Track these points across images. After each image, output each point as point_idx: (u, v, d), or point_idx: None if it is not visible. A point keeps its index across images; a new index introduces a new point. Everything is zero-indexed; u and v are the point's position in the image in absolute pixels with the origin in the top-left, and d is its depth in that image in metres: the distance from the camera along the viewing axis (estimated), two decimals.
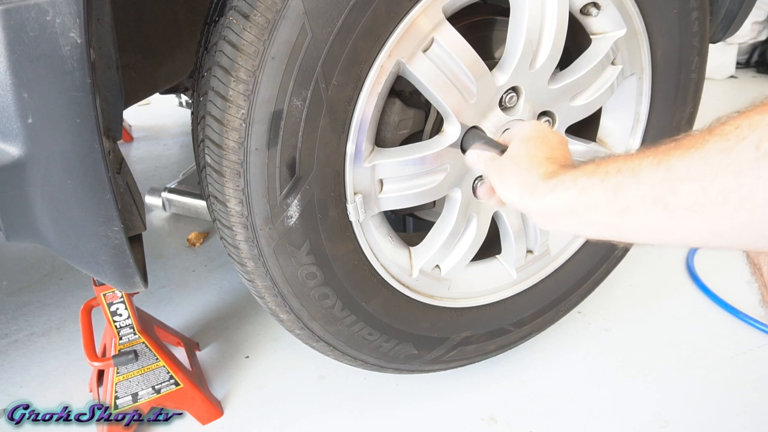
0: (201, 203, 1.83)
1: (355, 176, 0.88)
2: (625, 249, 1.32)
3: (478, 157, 0.79)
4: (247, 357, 1.36)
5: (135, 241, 0.86)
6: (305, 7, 0.74)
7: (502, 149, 0.76)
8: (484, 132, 0.94)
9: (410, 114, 0.96)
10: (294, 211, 0.86)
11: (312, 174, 0.84)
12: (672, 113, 1.17)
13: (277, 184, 0.83)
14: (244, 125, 0.78)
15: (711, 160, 0.42)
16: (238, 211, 0.85)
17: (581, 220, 0.55)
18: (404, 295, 1.04)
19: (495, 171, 0.71)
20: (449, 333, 1.14)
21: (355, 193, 0.89)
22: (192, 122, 0.91)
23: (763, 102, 0.41)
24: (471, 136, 0.92)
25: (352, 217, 0.91)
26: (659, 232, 0.48)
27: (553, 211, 0.59)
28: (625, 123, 1.15)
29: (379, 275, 1.00)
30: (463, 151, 0.93)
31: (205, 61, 0.82)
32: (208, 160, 0.84)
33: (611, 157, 0.53)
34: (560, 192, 0.58)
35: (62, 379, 1.31)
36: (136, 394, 1.11)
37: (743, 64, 3.84)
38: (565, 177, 0.58)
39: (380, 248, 0.98)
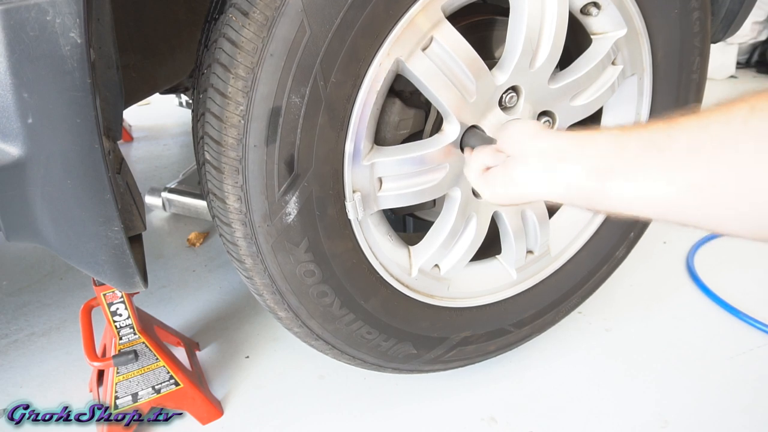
0: (201, 203, 1.83)
1: (353, 174, 0.88)
2: (626, 250, 1.32)
3: (471, 171, 0.79)
4: (247, 357, 1.36)
5: (135, 241, 0.86)
6: (304, 5, 0.74)
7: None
8: (483, 131, 0.94)
9: (410, 114, 0.96)
10: (292, 208, 0.86)
11: (310, 171, 0.84)
12: (673, 113, 1.17)
13: (276, 181, 0.83)
14: (242, 122, 0.78)
15: (710, 127, 0.45)
16: (236, 207, 0.85)
17: (580, 193, 0.58)
18: (403, 294, 1.04)
19: (486, 186, 0.74)
20: (448, 333, 1.14)
21: (353, 191, 0.89)
22: (192, 119, 0.91)
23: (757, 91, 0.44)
24: (470, 135, 0.93)
25: (351, 215, 0.91)
26: (655, 197, 0.49)
27: (551, 188, 0.61)
28: (626, 123, 1.15)
29: (378, 274, 1.00)
30: (462, 149, 0.94)
31: (205, 58, 0.82)
32: (208, 156, 0.85)
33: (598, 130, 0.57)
34: (560, 137, 0.61)
35: (62, 379, 1.31)
36: (136, 394, 1.11)
37: (743, 64, 3.84)
38: (570, 141, 0.60)
39: (379, 247, 0.98)
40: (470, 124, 0.94)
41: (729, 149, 0.43)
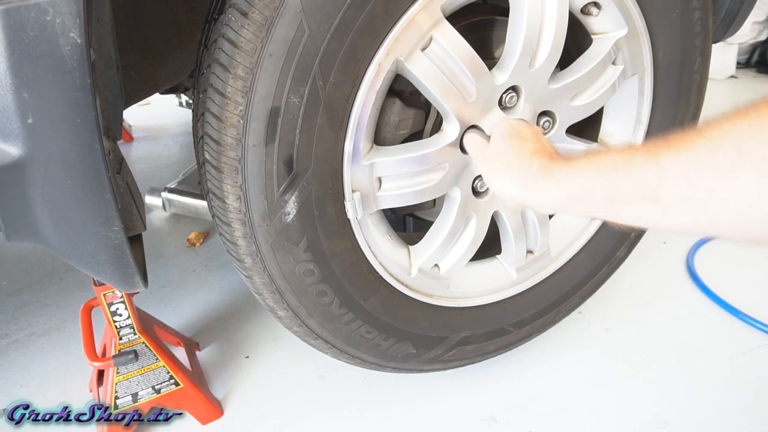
0: (201, 203, 1.83)
1: (353, 174, 0.88)
2: (627, 251, 1.32)
3: (474, 146, 0.84)
4: (247, 357, 1.36)
5: (135, 241, 0.86)
6: (303, 5, 0.74)
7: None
8: (483, 131, 0.94)
9: (410, 114, 0.96)
10: (291, 207, 0.86)
11: (309, 171, 0.84)
12: (675, 114, 1.17)
13: (275, 181, 0.83)
14: (242, 122, 0.78)
15: (697, 160, 0.45)
16: (236, 207, 0.85)
17: (581, 209, 0.61)
18: (403, 293, 1.04)
19: (488, 168, 0.77)
20: (448, 332, 1.14)
21: (353, 191, 0.89)
22: (192, 119, 0.91)
23: (749, 106, 0.43)
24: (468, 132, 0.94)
25: (350, 215, 0.91)
26: (652, 222, 0.52)
27: (554, 204, 0.64)
28: (626, 123, 1.15)
29: (378, 273, 1.00)
30: (463, 151, 0.95)
31: (204, 58, 0.82)
32: (207, 156, 0.85)
33: (602, 152, 0.58)
34: (559, 187, 0.62)
35: (62, 379, 1.31)
36: (136, 394, 1.11)
37: (743, 64, 3.84)
38: (561, 173, 0.63)
39: (379, 246, 0.98)
40: (470, 124, 0.94)
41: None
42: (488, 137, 0.82)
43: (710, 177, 0.44)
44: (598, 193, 0.56)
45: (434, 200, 1.07)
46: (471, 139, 0.87)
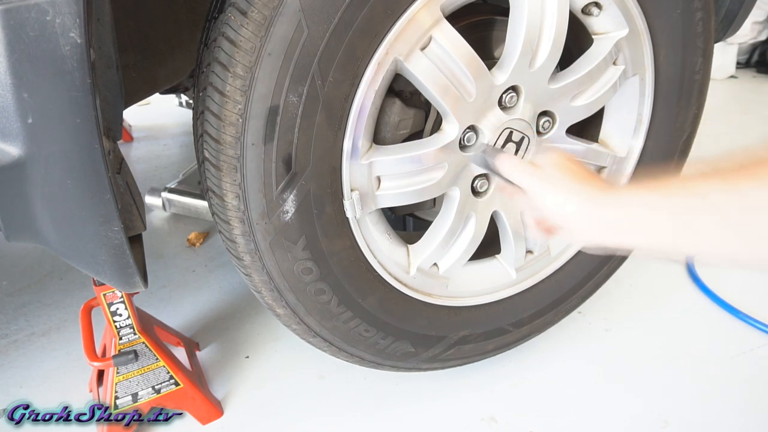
0: (201, 203, 1.83)
1: (351, 173, 0.88)
2: (627, 251, 1.32)
3: (520, 167, 0.74)
4: (247, 357, 1.36)
5: (135, 241, 0.86)
6: (302, 4, 0.74)
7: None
8: (500, 149, 0.95)
9: (410, 114, 0.96)
10: (290, 206, 0.86)
11: (308, 170, 0.84)
12: (676, 115, 1.17)
13: (274, 179, 0.83)
14: (240, 120, 0.78)
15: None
16: (234, 205, 0.85)
17: (645, 236, 0.56)
18: (401, 292, 1.04)
19: (546, 183, 0.68)
20: (447, 331, 1.14)
21: (351, 190, 0.90)
22: (192, 117, 0.92)
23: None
24: (486, 149, 0.92)
25: (349, 214, 0.91)
26: (731, 254, 0.50)
27: (615, 225, 0.59)
28: (627, 124, 1.15)
29: (376, 272, 1.00)
30: (486, 167, 0.94)
31: (204, 56, 0.82)
32: (207, 154, 0.85)
33: (669, 179, 0.54)
34: (624, 206, 0.58)
35: (62, 379, 1.31)
36: (136, 394, 1.11)
37: (743, 64, 3.84)
38: (628, 192, 0.59)
39: (377, 245, 0.98)
40: (469, 124, 0.94)
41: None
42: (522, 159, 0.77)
43: None
44: (664, 216, 0.53)
45: (434, 200, 1.07)
46: (509, 160, 0.77)
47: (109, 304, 1.05)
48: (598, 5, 0.99)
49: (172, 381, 1.13)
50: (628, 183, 0.62)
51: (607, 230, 0.60)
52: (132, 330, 1.09)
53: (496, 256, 1.17)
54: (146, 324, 1.15)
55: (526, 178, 0.71)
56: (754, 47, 3.81)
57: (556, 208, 0.66)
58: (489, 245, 1.15)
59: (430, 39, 0.85)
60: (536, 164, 0.72)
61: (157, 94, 2.05)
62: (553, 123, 1.04)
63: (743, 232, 0.47)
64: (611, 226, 0.59)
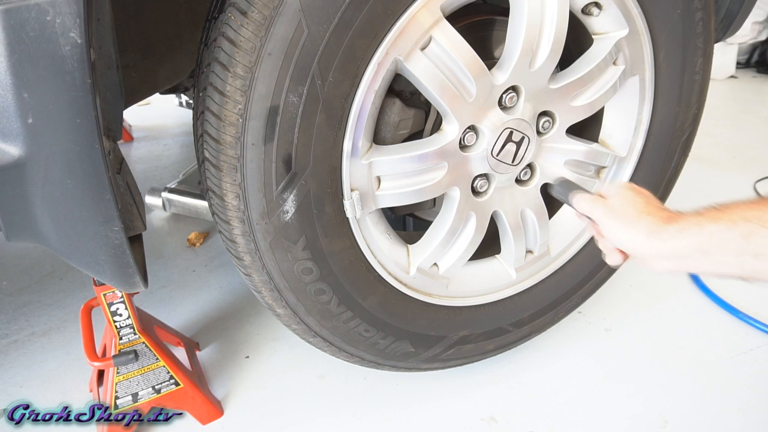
0: (201, 203, 1.82)
1: (351, 173, 0.88)
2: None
3: (590, 201, 0.78)
4: (248, 357, 1.36)
5: (135, 241, 0.86)
6: (302, 4, 0.74)
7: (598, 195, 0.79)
8: (570, 180, 0.97)
9: (410, 114, 0.96)
10: (290, 206, 0.86)
11: (308, 170, 0.84)
12: (676, 115, 1.17)
13: (274, 179, 0.83)
14: (241, 120, 0.79)
15: None
16: (234, 205, 0.85)
17: (710, 262, 0.60)
18: (401, 292, 1.04)
19: (614, 217, 0.73)
20: (447, 331, 1.14)
21: (351, 190, 0.90)
22: (192, 117, 0.92)
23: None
24: (562, 183, 0.94)
25: (349, 214, 0.91)
26: None
27: (680, 254, 0.63)
28: (627, 124, 1.15)
29: (376, 272, 1.00)
30: (549, 193, 0.97)
31: (204, 56, 0.82)
32: (207, 154, 0.85)
33: (730, 205, 0.59)
34: (688, 236, 0.62)
35: (62, 379, 1.31)
36: (136, 394, 1.11)
37: (743, 64, 3.84)
38: (689, 222, 0.62)
39: (377, 245, 0.98)
40: (469, 124, 0.94)
41: None
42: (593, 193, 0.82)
43: None
44: (731, 245, 0.56)
45: (434, 200, 1.07)
46: (583, 196, 0.82)
47: (109, 304, 1.05)
48: (598, 5, 0.99)
49: (172, 381, 1.13)
50: (689, 214, 0.65)
51: (674, 259, 0.64)
52: (132, 330, 1.09)
53: (496, 256, 1.17)
54: (146, 324, 1.15)
55: (596, 213, 0.76)
56: (754, 47, 3.81)
57: (626, 242, 0.70)
58: (489, 245, 1.15)
59: (430, 39, 0.85)
60: (604, 196, 0.77)
61: (157, 94, 2.05)
62: (553, 123, 1.04)
63: None
64: (677, 255, 0.63)
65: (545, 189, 1.07)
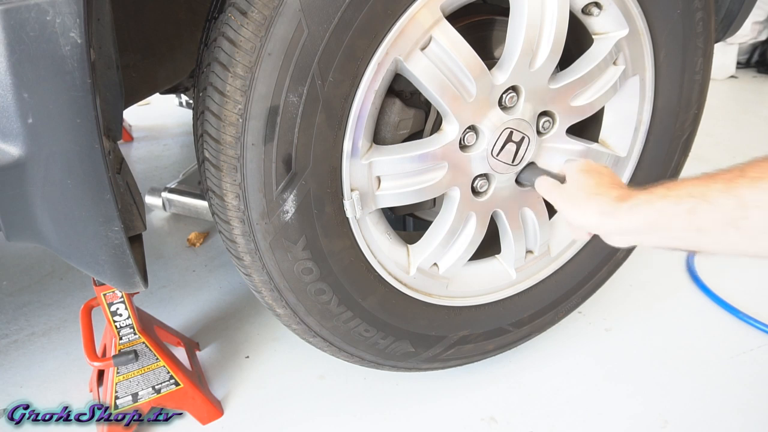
0: (201, 203, 1.82)
1: (351, 173, 0.88)
2: (627, 252, 1.32)
3: (548, 187, 0.83)
4: (248, 357, 1.36)
5: (135, 241, 0.86)
6: (302, 4, 0.74)
7: (561, 178, 0.82)
8: (538, 166, 1.01)
9: (410, 114, 0.96)
10: (290, 206, 0.86)
11: (308, 170, 0.84)
12: (676, 114, 1.17)
13: (274, 179, 0.83)
14: (241, 120, 0.79)
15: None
16: (234, 205, 0.85)
17: (659, 237, 0.63)
18: (401, 292, 1.04)
19: (567, 200, 0.78)
20: (447, 331, 1.14)
21: (351, 190, 0.90)
22: (192, 117, 0.92)
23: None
24: (529, 169, 0.99)
25: (349, 214, 0.91)
26: (733, 248, 0.56)
27: (634, 230, 0.66)
28: (627, 124, 1.15)
29: (376, 272, 1.00)
30: (519, 183, 1.02)
31: (204, 56, 0.82)
32: (207, 154, 0.85)
33: (679, 182, 0.61)
34: (639, 213, 0.64)
35: (62, 379, 1.31)
36: (136, 394, 1.11)
37: (743, 64, 3.84)
38: (640, 200, 0.65)
39: (377, 245, 0.98)
40: (469, 124, 0.94)
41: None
42: (559, 176, 0.85)
43: None
44: (677, 221, 0.59)
45: (434, 200, 1.07)
46: (543, 180, 0.86)
47: (109, 304, 1.05)
48: (598, 5, 0.99)
49: (172, 381, 1.13)
50: (640, 189, 0.67)
51: (627, 235, 0.67)
52: (132, 330, 1.09)
53: (496, 256, 1.17)
54: (146, 324, 1.15)
55: (553, 199, 0.81)
56: (754, 47, 3.81)
57: (582, 223, 0.74)
58: (489, 245, 1.15)
59: (430, 39, 0.85)
60: (561, 178, 0.81)
61: (157, 94, 2.05)
62: (554, 123, 1.04)
63: (744, 230, 0.53)
64: (630, 231, 0.66)
65: None
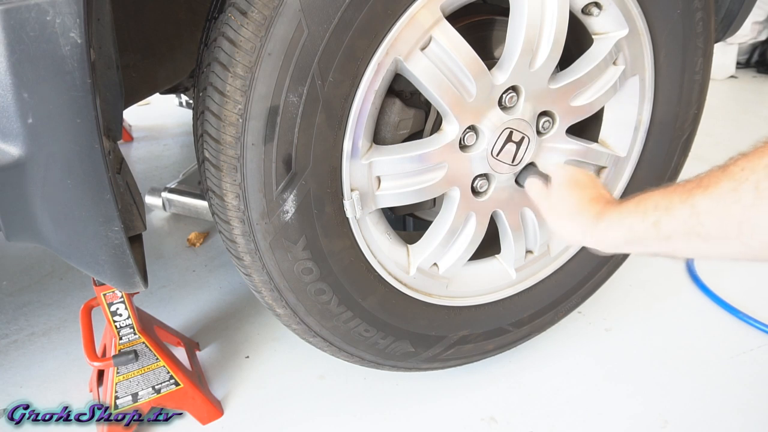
0: (201, 203, 1.82)
1: (351, 173, 0.88)
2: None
3: (536, 193, 0.90)
4: (247, 357, 1.36)
5: (135, 241, 0.86)
6: (302, 4, 0.74)
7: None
8: (537, 167, 1.02)
9: (410, 114, 0.96)
10: (290, 206, 0.86)
11: (308, 170, 0.84)
12: (676, 115, 1.17)
13: (274, 179, 0.83)
14: (241, 120, 0.79)
15: (724, 198, 0.53)
16: (234, 205, 0.85)
17: (638, 248, 0.67)
18: (401, 292, 1.04)
19: (552, 215, 0.84)
20: (446, 331, 1.14)
21: (351, 190, 0.90)
22: (192, 117, 0.92)
23: (764, 143, 0.51)
24: (529, 170, 1.01)
25: (349, 214, 0.91)
26: (700, 253, 0.60)
27: (614, 245, 0.71)
28: (627, 124, 1.14)
29: (376, 272, 1.00)
30: (518, 183, 1.03)
31: (204, 56, 0.82)
32: (207, 154, 0.85)
33: (646, 195, 0.65)
34: (613, 231, 0.70)
35: (62, 379, 1.31)
36: (136, 394, 1.11)
37: (743, 64, 3.84)
38: (613, 217, 0.70)
39: (377, 245, 0.98)
40: (469, 124, 0.94)
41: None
42: (546, 179, 0.89)
43: (737, 211, 0.51)
44: (647, 234, 0.63)
45: (434, 200, 1.07)
46: (533, 184, 0.92)
47: (109, 304, 1.05)
48: (598, 5, 0.99)
49: (172, 381, 1.13)
50: (615, 205, 0.73)
51: (610, 249, 0.73)
52: (132, 330, 1.09)
53: (496, 256, 1.17)
54: (146, 324, 1.15)
55: (541, 209, 0.88)
56: (754, 47, 3.81)
57: (567, 238, 0.81)
58: (489, 245, 1.15)
59: (430, 39, 0.85)
60: (551, 183, 0.86)
61: (157, 94, 2.05)
62: (553, 123, 1.04)
63: (702, 236, 0.56)
64: (611, 246, 0.72)
65: None
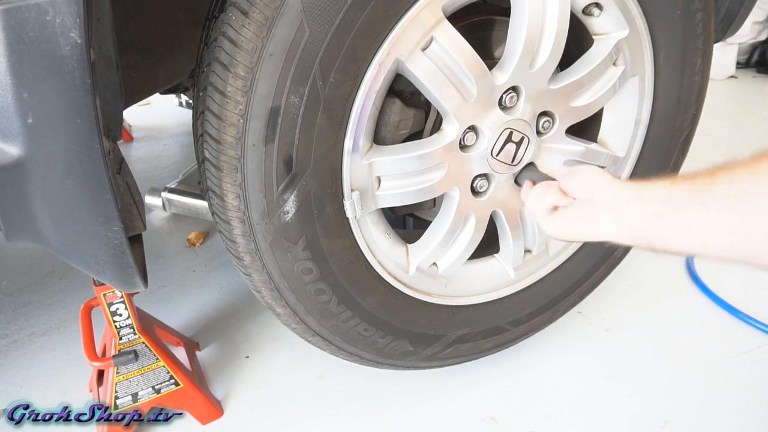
0: (201, 203, 1.82)
1: (352, 173, 0.88)
2: (624, 250, 1.32)
3: (531, 201, 0.86)
4: (247, 357, 1.36)
5: (135, 241, 0.86)
6: (303, 5, 0.74)
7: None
8: (536, 167, 1.02)
9: (410, 114, 0.96)
10: (290, 206, 0.86)
11: (309, 170, 0.84)
12: (675, 115, 1.17)
13: (274, 180, 0.83)
14: (241, 121, 0.78)
15: (740, 183, 0.55)
16: (235, 205, 0.85)
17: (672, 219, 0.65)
18: (401, 292, 1.04)
19: (547, 227, 0.81)
20: (445, 330, 1.14)
21: (352, 190, 0.90)
22: (192, 117, 0.92)
23: (762, 154, 0.53)
24: (528, 170, 1.01)
25: (349, 214, 0.91)
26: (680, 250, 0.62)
27: (617, 237, 0.70)
28: (626, 124, 1.15)
29: (376, 272, 1.00)
30: (518, 183, 1.02)
31: (205, 56, 0.82)
32: (207, 154, 0.85)
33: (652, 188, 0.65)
34: (617, 226, 0.69)
35: (62, 379, 1.31)
36: (136, 394, 1.11)
37: (743, 64, 3.84)
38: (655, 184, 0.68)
39: (377, 245, 0.98)
40: (469, 124, 0.94)
41: (755, 202, 0.53)
42: (544, 179, 0.88)
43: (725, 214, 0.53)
44: (656, 212, 0.63)
45: (434, 200, 1.07)
46: (528, 192, 0.89)
47: (109, 304, 1.05)
48: (598, 6, 0.99)
49: (172, 381, 1.13)
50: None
51: (612, 238, 0.70)
52: (132, 330, 1.09)
53: (495, 255, 1.17)
54: (146, 324, 1.15)
55: (536, 218, 0.84)
56: (754, 47, 3.81)
57: (600, 202, 0.75)
58: (488, 244, 1.15)
59: (431, 39, 0.85)
60: (564, 189, 0.81)
61: (157, 94, 2.05)
62: (553, 123, 1.04)
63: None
64: (648, 214, 0.68)
65: None
